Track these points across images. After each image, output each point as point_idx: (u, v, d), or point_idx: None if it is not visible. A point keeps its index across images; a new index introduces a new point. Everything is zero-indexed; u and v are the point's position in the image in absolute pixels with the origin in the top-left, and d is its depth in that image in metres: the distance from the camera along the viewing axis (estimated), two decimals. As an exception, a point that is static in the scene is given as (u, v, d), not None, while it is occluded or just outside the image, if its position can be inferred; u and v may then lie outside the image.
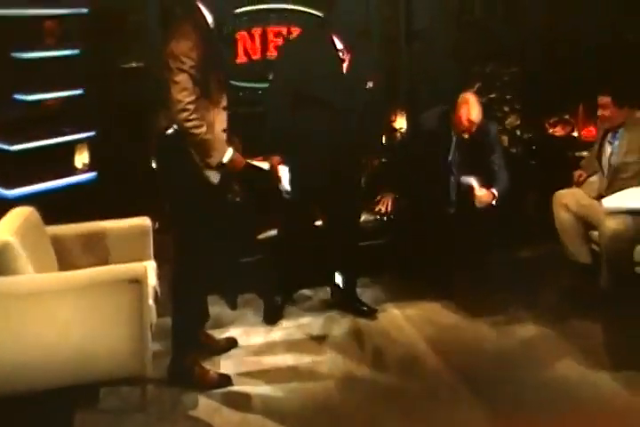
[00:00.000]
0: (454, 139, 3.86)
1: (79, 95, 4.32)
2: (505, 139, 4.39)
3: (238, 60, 4.55)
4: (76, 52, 4.29)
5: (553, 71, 4.33)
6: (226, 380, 3.21)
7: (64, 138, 4.32)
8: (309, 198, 3.69)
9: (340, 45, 3.57)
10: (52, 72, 4.20)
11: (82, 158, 4.57)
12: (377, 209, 4.12)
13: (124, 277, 2.88)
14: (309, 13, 4.56)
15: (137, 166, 4.43)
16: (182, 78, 2.94)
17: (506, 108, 4.49)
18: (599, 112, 3.64)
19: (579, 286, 3.87)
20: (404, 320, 3.81)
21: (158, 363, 3.15)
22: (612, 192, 3.68)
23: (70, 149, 4.47)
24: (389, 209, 4.09)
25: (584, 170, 4.00)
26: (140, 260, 3.28)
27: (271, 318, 3.78)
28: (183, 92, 2.94)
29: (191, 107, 2.95)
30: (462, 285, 4.10)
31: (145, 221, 3.46)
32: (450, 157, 3.87)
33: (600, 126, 3.83)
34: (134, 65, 4.59)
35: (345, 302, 3.91)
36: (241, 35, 4.52)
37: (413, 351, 3.52)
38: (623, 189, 3.67)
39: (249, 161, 3.34)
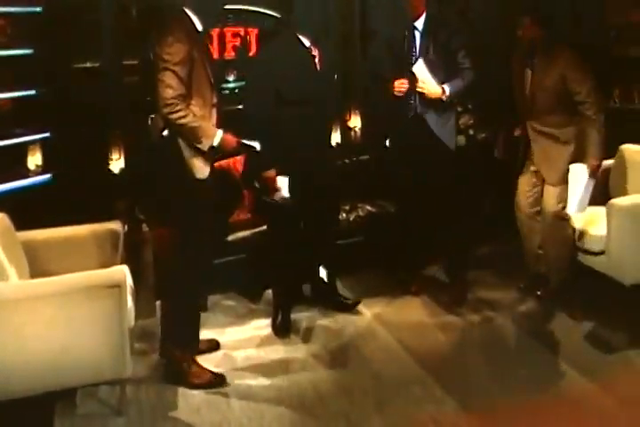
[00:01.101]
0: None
1: (32, 96, 4.36)
2: (461, 138, 4.65)
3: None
4: (28, 51, 4.33)
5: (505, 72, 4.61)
6: (220, 379, 3.39)
7: (16, 139, 4.38)
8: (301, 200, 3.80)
9: (307, 43, 3.77)
10: (4, 72, 4.25)
11: (35, 160, 4.62)
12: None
13: (104, 282, 3.01)
14: (266, 14, 4.73)
15: (94, 168, 4.53)
16: (166, 76, 3.15)
17: (459, 108, 4.75)
18: (519, 32, 3.82)
19: (542, 282, 4.17)
20: (373, 318, 4.04)
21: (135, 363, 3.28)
22: (534, 117, 3.90)
23: (23, 150, 4.53)
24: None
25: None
26: (112, 264, 3.40)
27: (284, 330, 3.90)
28: (167, 89, 3.14)
29: (174, 101, 3.14)
30: (430, 281, 4.40)
31: (116, 225, 3.59)
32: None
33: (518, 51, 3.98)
34: (89, 65, 4.67)
35: (327, 297, 4.10)
36: (210, 35, 4.58)
37: (384, 348, 3.74)
38: (543, 113, 3.88)
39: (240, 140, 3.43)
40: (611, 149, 4.14)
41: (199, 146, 3.24)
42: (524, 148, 4.07)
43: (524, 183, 4.10)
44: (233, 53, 4.77)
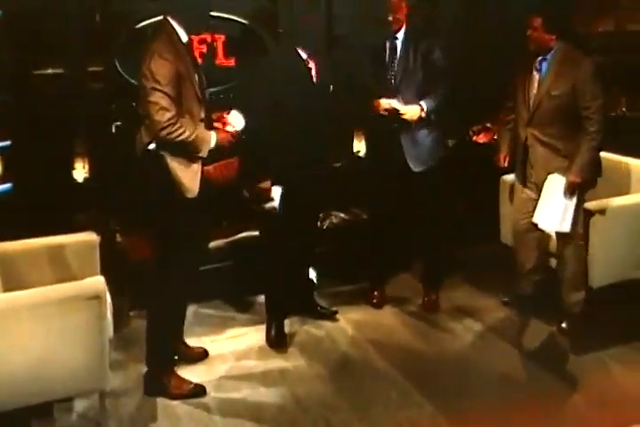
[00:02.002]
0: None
1: (-9, 103, 4.40)
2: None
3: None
4: (-15, 57, 4.37)
5: (472, 80, 4.81)
6: (201, 389, 3.48)
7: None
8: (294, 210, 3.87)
9: (304, 55, 3.86)
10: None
11: (-6, 169, 4.64)
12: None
13: (83, 293, 3.06)
14: (234, 20, 4.84)
15: (56, 178, 4.56)
16: (158, 98, 3.15)
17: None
18: (528, 32, 3.74)
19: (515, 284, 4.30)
20: (347, 324, 4.18)
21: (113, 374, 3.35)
22: (535, 124, 3.81)
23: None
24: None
25: (509, 99, 4.06)
26: (88, 275, 3.43)
27: (279, 341, 3.97)
28: (160, 112, 3.15)
29: (170, 122, 3.17)
30: (403, 287, 4.57)
31: (91, 235, 3.63)
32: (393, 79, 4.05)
33: (528, 52, 3.87)
34: (51, 71, 4.70)
35: (305, 305, 4.23)
36: None
37: (360, 354, 3.89)
38: (545, 123, 3.78)
39: (232, 131, 3.46)
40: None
41: (199, 155, 3.30)
42: (520, 155, 3.98)
43: (521, 200, 4.02)
44: (200, 60, 4.86)
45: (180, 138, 3.21)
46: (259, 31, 4.86)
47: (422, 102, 4.03)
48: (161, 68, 3.15)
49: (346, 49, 4.84)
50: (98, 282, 3.16)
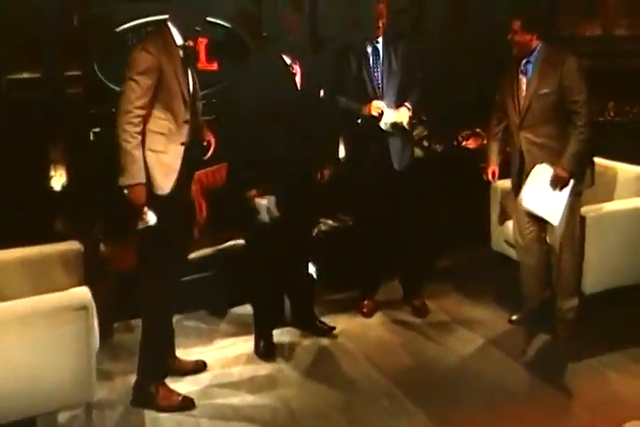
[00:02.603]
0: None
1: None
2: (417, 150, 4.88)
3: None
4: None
5: (460, 84, 4.89)
6: (189, 402, 3.48)
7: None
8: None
9: (288, 60, 3.88)
10: None
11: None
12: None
13: (69, 304, 3.06)
14: (217, 24, 4.87)
15: (32, 186, 4.53)
16: (127, 86, 3.25)
17: (413, 120, 4.97)
18: (509, 36, 3.84)
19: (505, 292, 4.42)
20: (338, 333, 4.20)
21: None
22: (527, 127, 3.87)
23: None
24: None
25: (497, 108, 4.12)
26: (72, 286, 3.41)
27: (268, 352, 3.99)
28: (125, 101, 3.23)
29: (129, 115, 3.22)
30: (392, 294, 4.60)
31: (74, 245, 3.61)
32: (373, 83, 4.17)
33: (513, 56, 3.97)
34: (27, 76, 4.68)
35: (303, 320, 4.23)
36: None
37: (351, 363, 3.91)
38: (537, 124, 3.84)
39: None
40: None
41: (120, 177, 3.27)
42: (517, 164, 4.01)
43: (520, 213, 4.02)
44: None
45: (124, 144, 3.23)
46: (242, 34, 4.90)
47: (407, 103, 4.19)
48: (139, 59, 3.26)
49: (331, 52, 4.89)
50: (84, 292, 3.16)
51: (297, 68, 3.90)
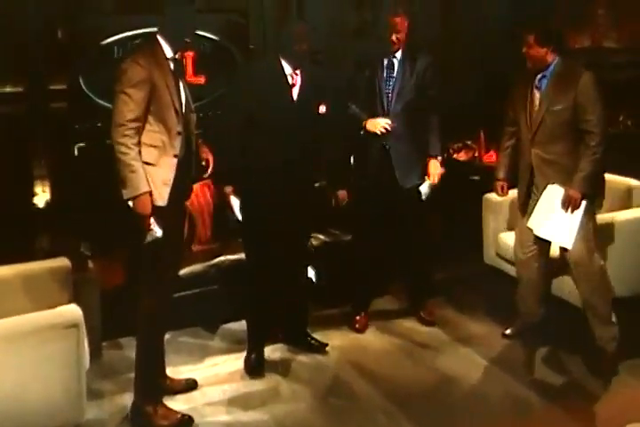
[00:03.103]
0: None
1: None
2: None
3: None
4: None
5: (451, 97, 4.93)
6: (188, 421, 3.46)
7: None
8: (265, 227, 3.87)
9: (288, 69, 3.84)
10: None
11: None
12: None
13: (60, 322, 3.05)
14: (204, 37, 4.89)
15: (14, 202, 4.53)
16: (119, 100, 3.26)
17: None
18: (524, 49, 3.79)
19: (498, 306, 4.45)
20: (330, 348, 4.20)
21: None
22: (538, 143, 3.82)
23: None
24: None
25: (509, 123, 4.08)
26: (61, 303, 3.40)
27: (257, 367, 3.98)
28: (117, 114, 3.24)
29: (122, 129, 3.22)
30: (383, 308, 4.63)
31: (64, 262, 3.60)
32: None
33: (527, 71, 3.91)
34: (9, 90, 4.68)
35: (296, 336, 4.23)
36: None
37: (344, 378, 3.93)
38: (549, 141, 3.80)
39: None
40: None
41: (123, 191, 3.26)
42: (526, 180, 3.96)
43: (524, 230, 3.98)
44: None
45: (122, 156, 3.23)
46: (230, 47, 4.94)
47: (433, 152, 4.28)
48: (130, 72, 3.27)
49: (320, 65, 4.94)
50: (74, 310, 3.15)
51: (297, 78, 3.87)
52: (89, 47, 4.64)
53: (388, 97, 4.22)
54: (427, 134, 4.28)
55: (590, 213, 3.84)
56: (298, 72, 3.86)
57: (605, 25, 5.07)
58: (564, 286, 4.09)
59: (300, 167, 3.88)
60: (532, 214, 3.89)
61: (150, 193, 3.29)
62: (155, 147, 3.34)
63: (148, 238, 3.33)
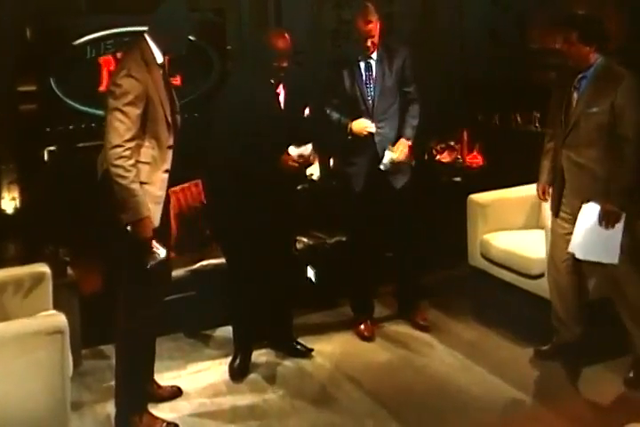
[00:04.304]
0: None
1: None
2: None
3: (102, 88, 4.59)
4: None
5: (434, 97, 5.03)
6: None
7: None
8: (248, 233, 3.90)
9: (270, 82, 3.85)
10: None
11: None
12: None
13: (44, 329, 3.06)
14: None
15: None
16: (114, 117, 3.14)
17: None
18: (559, 46, 3.75)
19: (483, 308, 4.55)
20: (317, 354, 4.25)
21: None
22: (570, 145, 3.75)
23: None
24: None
25: (550, 123, 4.03)
26: (42, 310, 3.45)
27: (241, 372, 4.02)
28: (113, 134, 3.13)
29: (119, 149, 3.12)
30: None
31: (43, 267, 3.60)
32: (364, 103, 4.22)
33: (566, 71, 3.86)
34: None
35: (281, 341, 4.28)
36: (105, 59, 4.68)
37: (333, 384, 3.98)
38: (582, 144, 3.71)
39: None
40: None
41: (121, 215, 3.18)
42: (558, 182, 3.89)
43: (557, 235, 3.92)
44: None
45: (119, 180, 3.14)
46: (206, 48, 4.94)
47: (404, 136, 4.29)
48: (126, 87, 3.14)
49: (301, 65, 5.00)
50: (59, 316, 3.17)
51: (280, 87, 3.89)
52: (60, 47, 4.61)
53: (370, 100, 4.26)
54: (403, 121, 4.33)
55: (633, 224, 3.75)
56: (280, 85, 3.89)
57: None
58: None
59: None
60: (572, 238, 3.78)
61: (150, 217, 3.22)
62: (147, 164, 3.26)
63: (152, 262, 3.26)
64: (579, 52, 3.69)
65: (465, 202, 4.73)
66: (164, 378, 3.92)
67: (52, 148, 4.72)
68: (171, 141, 3.35)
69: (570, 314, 3.98)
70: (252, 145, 3.74)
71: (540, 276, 4.24)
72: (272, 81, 3.87)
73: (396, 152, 4.22)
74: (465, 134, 5.35)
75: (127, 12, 4.68)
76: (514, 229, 4.68)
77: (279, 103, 3.91)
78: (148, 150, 3.26)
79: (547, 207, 4.08)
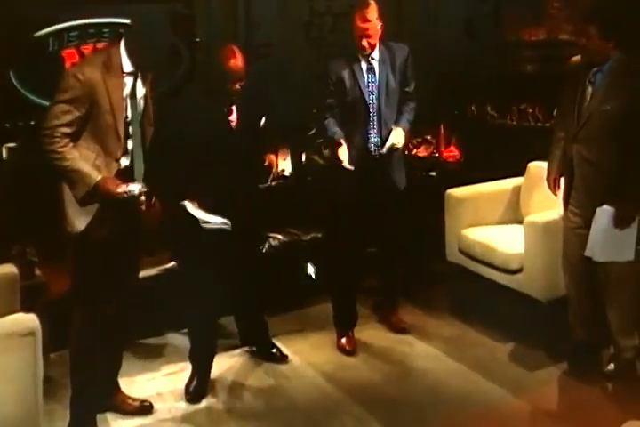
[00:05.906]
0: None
1: None
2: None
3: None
4: None
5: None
6: None
7: None
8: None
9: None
10: None
11: None
12: None
13: (16, 330, 3.06)
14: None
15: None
16: (53, 106, 3.24)
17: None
18: (582, 42, 3.69)
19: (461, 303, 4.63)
20: (293, 354, 4.34)
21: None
22: (582, 140, 3.76)
23: None
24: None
25: (561, 115, 4.05)
26: (9, 312, 3.44)
27: (197, 392, 3.92)
28: (49, 118, 3.21)
29: (49, 132, 3.18)
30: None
31: (10, 268, 3.59)
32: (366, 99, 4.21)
33: (579, 63, 3.84)
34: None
35: (257, 345, 4.31)
36: (68, 52, 4.70)
37: (311, 386, 4.06)
38: (593, 139, 3.72)
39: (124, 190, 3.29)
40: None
41: (74, 193, 3.23)
42: (568, 177, 3.92)
43: (569, 229, 3.94)
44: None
45: (58, 162, 3.21)
46: (174, 40, 4.92)
47: (402, 125, 4.30)
48: (65, 85, 3.22)
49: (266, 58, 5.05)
50: (31, 317, 3.16)
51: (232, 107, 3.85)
52: (20, 39, 4.61)
53: (373, 103, 4.26)
54: (400, 114, 4.34)
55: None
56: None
57: (561, 17, 5.32)
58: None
59: (245, 178, 3.95)
60: (588, 242, 3.79)
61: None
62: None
63: (127, 196, 3.28)
64: (597, 48, 3.68)
65: (441, 197, 4.81)
66: (136, 382, 3.95)
67: (11, 144, 4.71)
68: (119, 154, 3.34)
69: (581, 314, 3.99)
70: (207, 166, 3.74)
71: (519, 271, 4.36)
72: (224, 108, 3.84)
73: (395, 138, 4.21)
74: (442, 128, 5.44)
75: (92, 3, 4.69)
76: (492, 224, 4.79)
77: (229, 123, 3.86)
78: (90, 154, 3.29)
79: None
